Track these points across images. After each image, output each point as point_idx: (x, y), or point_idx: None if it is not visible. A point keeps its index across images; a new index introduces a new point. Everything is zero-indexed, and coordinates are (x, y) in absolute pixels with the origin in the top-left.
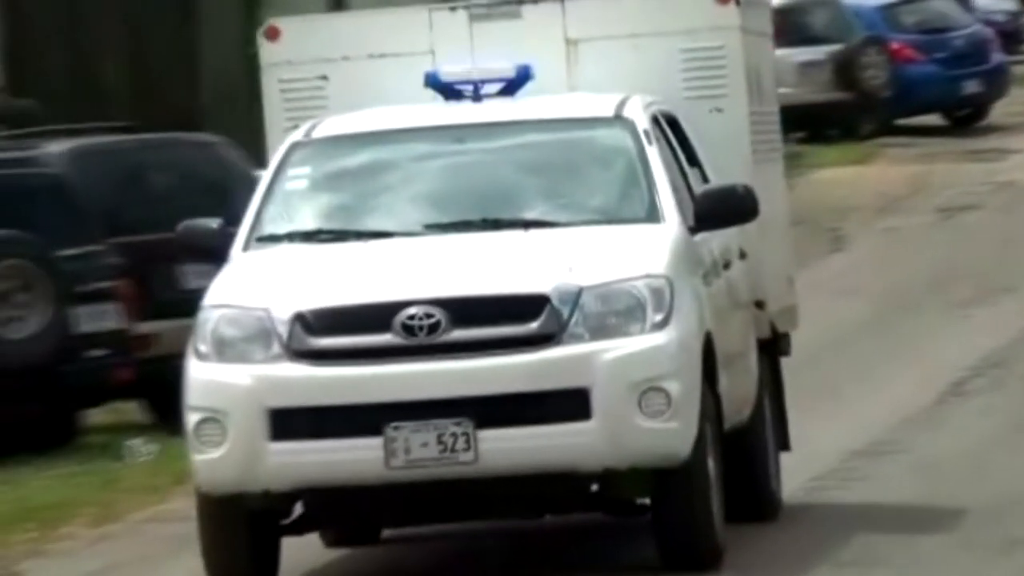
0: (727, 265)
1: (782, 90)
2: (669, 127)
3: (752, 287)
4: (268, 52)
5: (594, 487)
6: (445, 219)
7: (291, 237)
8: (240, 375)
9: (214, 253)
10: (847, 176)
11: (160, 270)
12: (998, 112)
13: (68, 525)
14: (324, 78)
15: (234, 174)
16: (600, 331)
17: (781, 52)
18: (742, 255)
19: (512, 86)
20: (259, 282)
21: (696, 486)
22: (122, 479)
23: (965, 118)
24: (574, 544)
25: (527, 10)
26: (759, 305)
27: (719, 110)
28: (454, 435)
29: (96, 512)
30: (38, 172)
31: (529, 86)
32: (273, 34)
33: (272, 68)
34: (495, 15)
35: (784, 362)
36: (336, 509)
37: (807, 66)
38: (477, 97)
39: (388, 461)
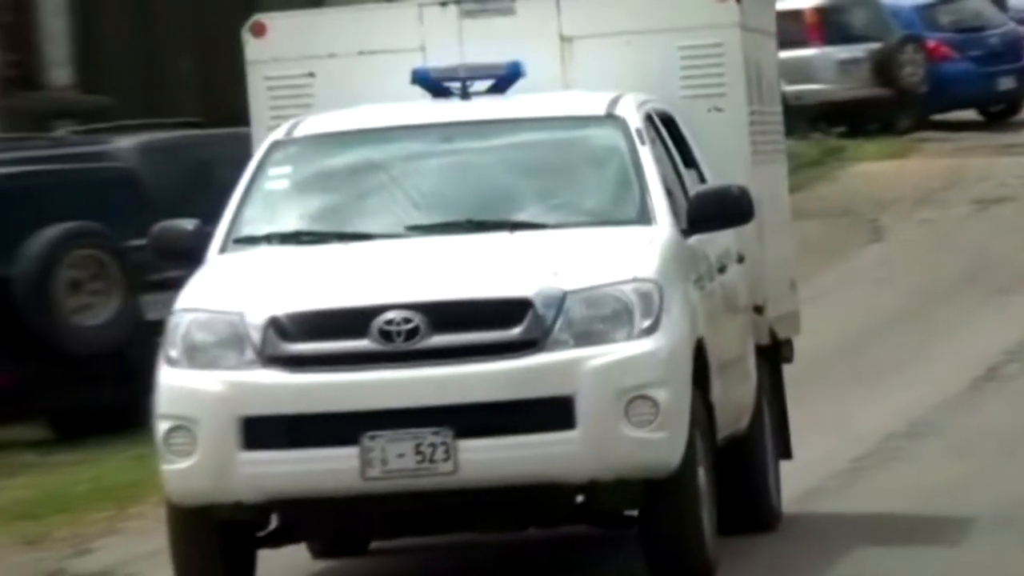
0: (723, 269)
1: (823, 87)
2: (665, 126)
3: (750, 291)
4: (253, 48)
5: (579, 499)
6: (429, 221)
7: (269, 239)
8: (211, 382)
9: (189, 255)
10: (886, 169)
11: None
12: None
13: (141, 504)
14: (311, 75)
15: None
16: (585, 337)
17: (823, 50)
18: (740, 259)
19: (502, 83)
20: (233, 285)
21: (685, 498)
22: None
23: (999, 113)
24: (561, 557)
25: (520, 6)
26: (758, 310)
27: (718, 109)
28: (433, 445)
29: None
30: (109, 166)
31: (520, 83)
32: (259, 30)
33: (258, 65)
34: (487, 11)
35: (825, 346)
36: (311, 521)
37: (847, 63)
38: (465, 95)
39: (364, 472)
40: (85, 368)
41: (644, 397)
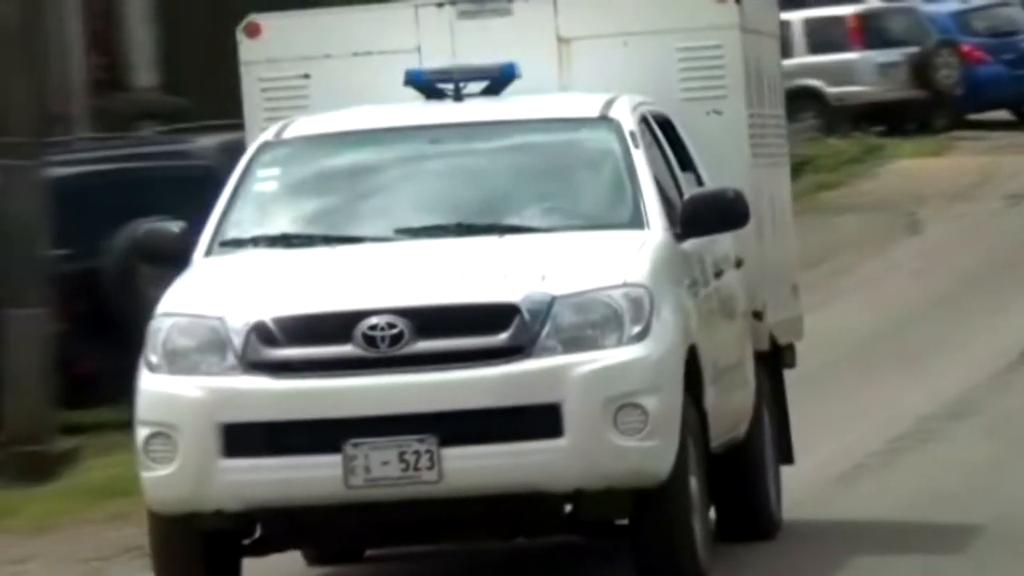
0: (719, 273)
1: (864, 88)
2: (661, 129)
3: (749, 297)
4: (247, 49)
5: (568, 508)
6: (417, 224)
7: (256, 242)
8: (191, 388)
9: (175, 258)
10: (923, 166)
11: None
12: None
13: None
14: (306, 76)
15: None
16: (573, 343)
17: (864, 54)
18: (738, 263)
19: (497, 85)
20: (216, 289)
21: (676, 508)
22: None
23: None
24: (553, 565)
25: (518, 7)
26: (757, 315)
27: (717, 112)
28: (417, 453)
29: None
30: (191, 164)
31: (517, 85)
32: (253, 31)
33: (252, 66)
34: (484, 12)
35: (865, 332)
36: (293, 530)
37: (886, 67)
38: (458, 96)
39: (347, 480)
40: None
41: (633, 405)
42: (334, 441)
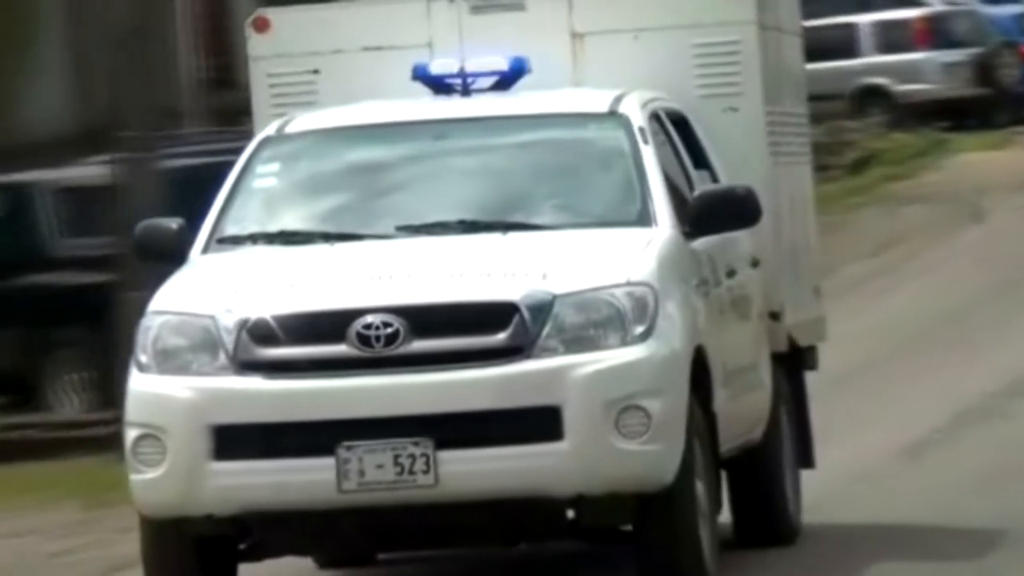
0: (731, 273)
1: (929, 86)
2: (675, 126)
3: (766, 297)
4: (256, 44)
5: (570, 514)
6: (419, 221)
7: (254, 239)
8: (181, 388)
9: (173, 256)
10: (985, 160)
11: None
12: None
13: None
14: (316, 72)
15: None
16: (574, 344)
17: (929, 54)
18: (754, 263)
19: (506, 80)
20: (209, 287)
21: (682, 513)
22: None
23: None
24: (557, 570)
25: (531, 2)
26: (774, 316)
27: (733, 109)
28: (412, 456)
29: None
30: None
31: (529, 81)
32: (262, 25)
33: (260, 61)
34: (497, 6)
35: (930, 315)
36: (284, 535)
37: (951, 66)
38: (466, 91)
39: (340, 484)
40: None
41: (636, 407)
42: (327, 443)
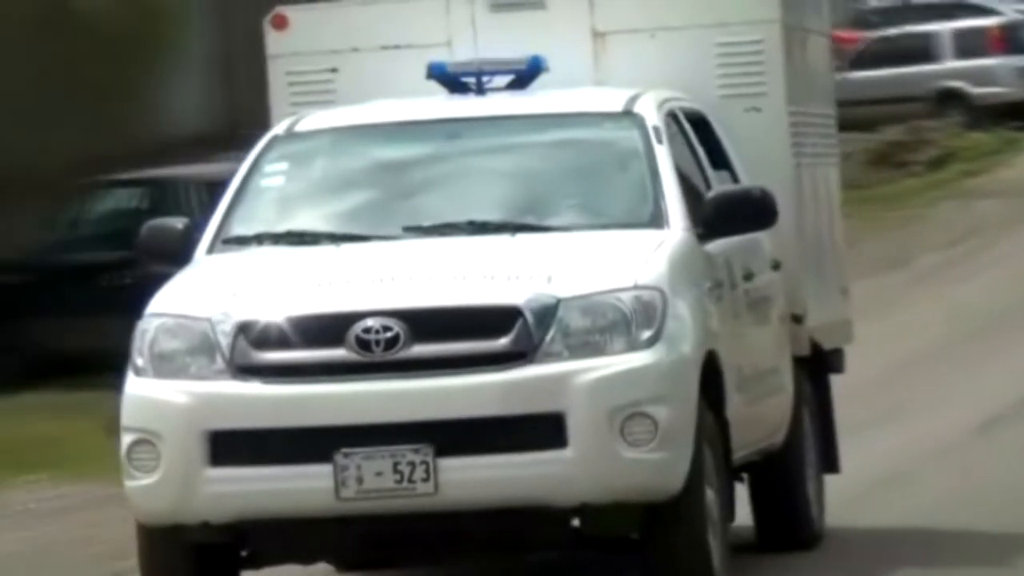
0: (749, 276)
1: (1003, 89)
2: (694, 126)
3: (788, 300)
4: (274, 42)
5: (575, 523)
6: (427, 222)
7: (260, 239)
8: (176, 393)
9: (177, 256)
10: None
11: None
12: None
13: None
14: (334, 70)
15: None
16: (579, 349)
17: (1004, 59)
18: (775, 266)
19: (523, 79)
20: (209, 289)
21: (690, 523)
22: None
23: None
24: None
25: (551, 0)
26: (796, 319)
27: (756, 109)
28: (412, 464)
29: None
30: None
31: (549, 80)
32: (280, 23)
33: (278, 60)
34: (517, 5)
35: (1001, 303)
36: (281, 543)
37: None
38: (480, 90)
39: (338, 491)
40: None
41: (641, 414)
42: (325, 450)
